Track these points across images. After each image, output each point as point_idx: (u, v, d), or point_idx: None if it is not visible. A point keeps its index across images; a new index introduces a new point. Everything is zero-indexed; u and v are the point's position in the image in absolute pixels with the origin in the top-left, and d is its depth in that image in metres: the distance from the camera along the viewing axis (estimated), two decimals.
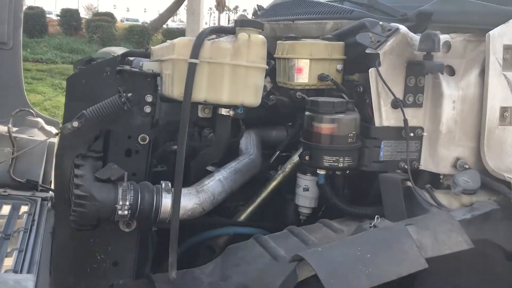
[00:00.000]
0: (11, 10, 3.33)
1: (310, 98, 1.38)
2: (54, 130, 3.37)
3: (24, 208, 2.72)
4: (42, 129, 3.26)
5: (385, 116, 1.39)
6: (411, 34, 1.38)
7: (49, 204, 2.85)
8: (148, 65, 1.40)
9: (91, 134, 1.31)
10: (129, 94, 1.32)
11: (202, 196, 1.39)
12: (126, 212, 1.23)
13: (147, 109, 1.36)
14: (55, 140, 3.27)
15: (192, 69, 1.17)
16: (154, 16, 21.58)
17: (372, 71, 1.38)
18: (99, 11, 22.35)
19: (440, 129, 1.41)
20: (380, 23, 1.41)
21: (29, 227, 2.48)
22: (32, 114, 3.27)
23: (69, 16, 17.01)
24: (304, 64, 1.48)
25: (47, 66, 11.63)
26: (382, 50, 1.36)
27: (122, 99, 1.29)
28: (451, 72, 1.42)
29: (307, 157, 1.37)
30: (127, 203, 1.23)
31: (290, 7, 2.05)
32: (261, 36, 1.25)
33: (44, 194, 2.95)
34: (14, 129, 3.16)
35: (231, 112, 1.31)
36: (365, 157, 1.40)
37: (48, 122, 3.47)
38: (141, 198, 1.25)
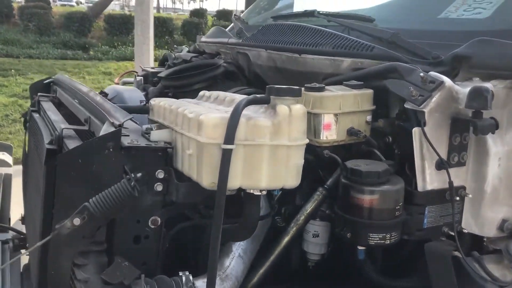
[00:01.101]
0: None
1: (350, 166, 1.20)
2: (7, 158, 3.01)
3: None
4: None
5: (429, 179, 1.24)
6: (456, 87, 1.23)
7: (11, 246, 2.54)
8: (157, 136, 1.16)
9: (94, 229, 1.07)
10: (139, 175, 1.09)
11: (227, 284, 1.20)
12: None
13: (159, 187, 1.14)
14: (10, 170, 2.92)
15: (227, 157, 0.96)
16: None
17: (416, 132, 1.21)
18: None
19: (484, 188, 1.28)
20: (421, 74, 1.24)
21: None
22: None
23: None
24: (332, 119, 1.30)
25: None
26: (428, 108, 1.20)
27: (132, 183, 1.06)
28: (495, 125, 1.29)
29: (349, 235, 1.19)
30: None
31: (289, 33, 1.84)
32: (301, 106, 1.05)
33: (3, 236, 2.62)
34: None
35: (264, 192, 1.10)
36: (408, 225, 1.24)
37: (1, 147, 3.10)
38: None
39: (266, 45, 1.90)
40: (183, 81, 1.95)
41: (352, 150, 1.36)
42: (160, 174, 1.13)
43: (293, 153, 1.02)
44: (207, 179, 0.99)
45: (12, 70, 10.20)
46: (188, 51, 2.87)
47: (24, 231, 2.67)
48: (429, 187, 1.24)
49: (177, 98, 2.15)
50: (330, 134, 1.31)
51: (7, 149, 3.11)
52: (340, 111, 1.30)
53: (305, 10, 1.98)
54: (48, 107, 2.12)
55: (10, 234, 2.67)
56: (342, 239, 1.24)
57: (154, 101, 1.32)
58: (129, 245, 1.15)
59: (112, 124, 1.16)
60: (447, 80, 1.22)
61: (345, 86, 1.38)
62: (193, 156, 1.03)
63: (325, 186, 1.34)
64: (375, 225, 1.18)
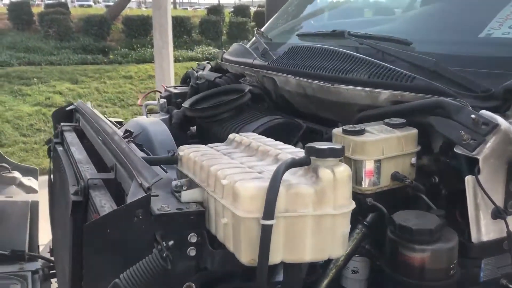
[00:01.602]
0: None
1: (399, 223, 1.10)
2: (34, 183, 2.99)
3: None
4: (20, 185, 2.88)
5: (484, 230, 1.13)
6: None
7: (41, 275, 2.52)
8: (188, 196, 1.09)
9: None
10: (171, 243, 1.02)
11: None
12: None
13: (192, 251, 1.06)
14: (37, 196, 2.90)
15: (267, 232, 0.87)
16: None
17: (469, 180, 1.11)
18: (51, 2, 21.07)
19: None
20: (472, 115, 1.13)
21: None
22: (6, 169, 2.88)
23: (19, 10, 15.93)
24: (375, 165, 1.20)
25: (3, 70, 10.83)
26: (482, 154, 1.09)
27: (164, 254, 0.99)
28: None
29: None
30: None
31: (318, 58, 1.74)
32: (345, 168, 0.95)
33: (33, 265, 2.60)
34: None
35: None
36: (462, 281, 1.14)
37: (26, 171, 3.08)
38: None
39: (294, 71, 1.80)
40: (209, 111, 1.87)
41: (396, 195, 1.26)
42: (193, 238, 1.05)
43: (339, 222, 0.93)
44: (246, 255, 0.91)
45: (35, 79, 10.31)
46: (211, 69, 2.79)
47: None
48: (485, 238, 1.13)
49: (203, 126, 2.08)
50: (372, 180, 1.21)
51: (33, 173, 3.09)
52: (383, 156, 1.20)
53: (334, 30, 1.86)
54: (72, 140, 2.07)
55: (40, 262, 2.65)
56: None
57: (183, 152, 1.23)
58: None
59: (141, 185, 1.09)
60: (502, 121, 1.11)
61: (385, 124, 1.28)
62: (228, 226, 0.95)
63: (365, 223, 1.24)
64: (426, 286, 1.08)
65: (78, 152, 1.83)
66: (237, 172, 0.99)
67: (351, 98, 1.52)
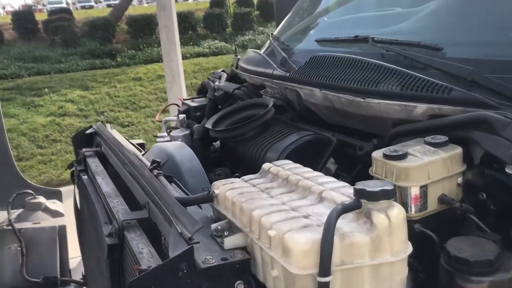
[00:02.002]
0: None
1: (454, 254, 1.04)
2: (59, 207, 2.98)
3: None
4: (46, 210, 2.88)
5: None
6: None
7: None
8: (231, 243, 1.04)
9: None
10: None
11: None
12: None
13: None
14: (65, 219, 2.89)
15: None
16: None
17: None
18: (54, 9, 21.07)
19: None
20: None
21: None
22: (30, 194, 2.87)
23: (23, 19, 15.96)
24: (421, 190, 1.14)
25: (13, 82, 10.88)
26: None
27: None
28: None
29: None
30: None
31: (343, 68, 1.67)
32: (399, 210, 0.89)
33: None
34: (14, 215, 2.77)
35: None
36: None
37: (49, 194, 3.08)
38: None
39: (319, 83, 1.73)
40: (233, 132, 1.82)
41: (444, 218, 1.20)
42: (240, 286, 1.01)
43: (397, 269, 0.88)
44: None
45: (46, 89, 10.34)
46: (227, 78, 2.73)
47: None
48: None
49: (228, 144, 2.02)
50: (419, 206, 1.15)
51: (57, 195, 3.09)
52: (430, 181, 1.14)
53: (357, 36, 1.79)
54: (96, 168, 2.04)
55: (73, 286, 2.65)
56: None
57: (218, 190, 1.19)
58: None
59: (181, 235, 1.04)
60: None
61: (427, 144, 1.22)
62: (280, 279, 0.90)
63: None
64: None
65: (105, 184, 1.80)
66: (282, 219, 0.95)
67: (384, 112, 1.46)
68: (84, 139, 2.48)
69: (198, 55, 13.29)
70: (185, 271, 0.98)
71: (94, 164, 2.11)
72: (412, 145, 1.22)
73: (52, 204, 2.90)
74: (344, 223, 0.89)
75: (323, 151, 1.65)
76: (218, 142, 2.23)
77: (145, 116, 9.38)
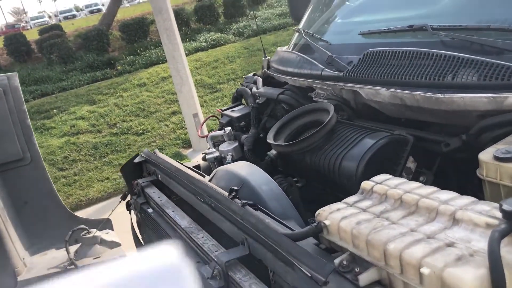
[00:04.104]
0: (16, 121, 2.82)
1: None
2: (114, 236, 2.96)
3: None
4: (103, 242, 2.85)
5: None
6: None
7: None
8: (367, 279, 1.00)
9: None
10: None
11: None
12: None
13: None
14: (122, 250, 2.86)
15: None
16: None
17: None
18: (43, 25, 20.89)
19: None
20: None
21: None
22: (85, 229, 2.85)
23: (15, 42, 15.85)
24: None
25: None
26: None
27: None
28: None
29: None
30: None
31: (409, 62, 1.60)
32: None
33: None
34: (72, 253, 2.76)
35: None
36: None
37: (100, 225, 3.05)
38: None
39: (384, 81, 1.67)
40: (300, 145, 1.76)
41: None
42: None
43: None
44: None
45: (54, 110, 10.30)
46: (263, 81, 2.66)
47: None
48: None
49: (290, 157, 1.97)
50: None
51: (108, 224, 3.06)
52: None
53: (412, 25, 1.72)
54: (161, 200, 2.00)
55: None
56: None
57: (329, 222, 1.14)
58: None
59: (312, 278, 1.00)
60: None
61: None
62: None
63: None
64: None
65: (180, 217, 1.76)
66: (428, 252, 0.90)
67: (469, 105, 1.40)
68: (133, 169, 2.44)
69: (197, 50, 13.15)
70: None
71: (156, 195, 2.08)
72: None
73: (107, 235, 2.88)
74: (505, 251, 0.84)
75: (402, 151, 1.60)
76: (273, 151, 2.18)
77: (157, 121, 9.32)
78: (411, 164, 1.63)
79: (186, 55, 12.21)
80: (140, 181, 2.23)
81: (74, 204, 6.86)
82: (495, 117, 1.34)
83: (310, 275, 1.00)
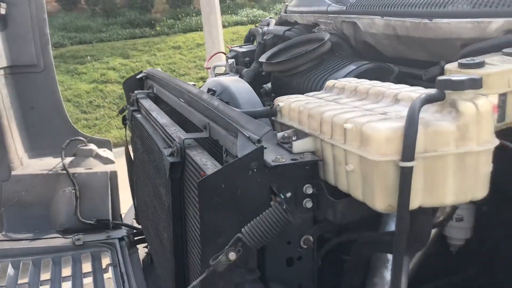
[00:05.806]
0: (35, 27, 2.91)
1: None
2: (109, 154, 3.04)
3: (105, 259, 2.46)
4: (97, 156, 2.94)
5: None
6: None
7: (127, 242, 2.58)
8: (300, 147, 1.02)
9: (247, 258, 0.97)
10: (289, 194, 0.97)
11: None
12: None
13: (308, 203, 1.00)
14: (115, 166, 2.95)
15: (408, 175, 0.79)
16: None
17: None
18: None
19: None
20: None
21: (121, 284, 2.23)
22: (82, 142, 2.94)
23: None
24: (500, 100, 1.07)
25: (57, 51, 11.09)
26: None
27: (284, 206, 0.94)
28: None
29: None
30: None
31: None
32: (486, 100, 0.85)
33: (119, 233, 2.67)
34: (67, 161, 2.85)
35: None
36: None
37: (100, 143, 3.14)
38: None
39: (381, 11, 1.67)
40: (290, 64, 1.78)
41: None
42: (309, 190, 1.00)
43: (483, 160, 0.83)
44: (382, 202, 0.84)
45: (88, 57, 10.53)
46: (276, 23, 2.68)
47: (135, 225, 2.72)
48: None
49: (281, 80, 1.99)
50: (497, 117, 1.09)
51: (106, 144, 3.14)
52: (510, 89, 1.07)
53: None
54: (150, 106, 2.05)
55: (124, 230, 2.72)
56: None
57: (283, 103, 1.16)
58: (282, 269, 1.05)
59: (249, 138, 1.03)
60: None
61: (505, 55, 1.15)
62: (355, 173, 0.88)
63: None
64: None
65: (161, 117, 1.80)
66: (358, 115, 0.91)
67: (454, 32, 1.38)
68: (135, 84, 2.50)
69: (236, 23, 13.18)
70: (255, 170, 0.96)
71: (147, 103, 2.13)
72: (488, 57, 1.16)
73: (103, 152, 2.96)
74: (427, 114, 0.84)
75: (385, 80, 1.59)
76: (268, 84, 2.20)
77: None
78: None
79: (225, 26, 12.27)
80: (136, 92, 2.29)
81: None
82: (476, 44, 1.32)
83: (248, 136, 1.03)
